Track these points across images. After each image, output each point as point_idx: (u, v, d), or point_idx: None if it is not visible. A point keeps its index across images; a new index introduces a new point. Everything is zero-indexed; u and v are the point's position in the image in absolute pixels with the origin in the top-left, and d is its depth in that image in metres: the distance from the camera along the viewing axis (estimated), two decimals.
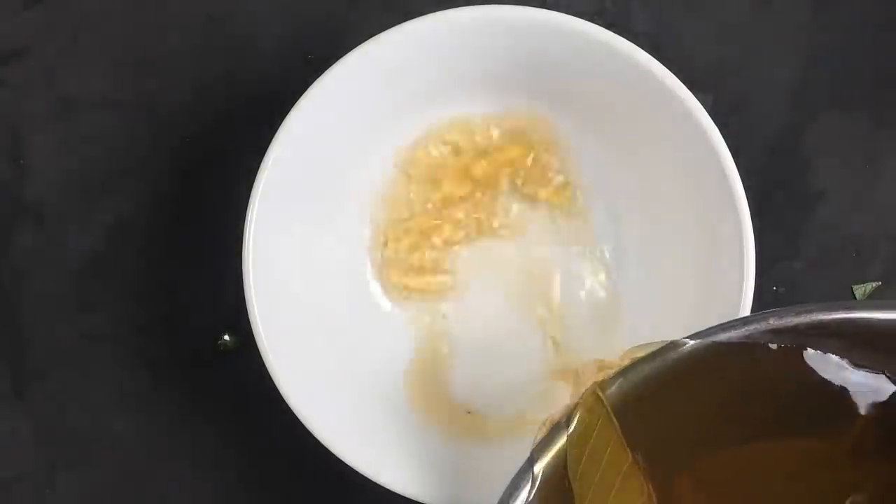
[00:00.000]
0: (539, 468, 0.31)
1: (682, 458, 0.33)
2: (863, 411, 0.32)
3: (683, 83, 0.37)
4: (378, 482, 0.38)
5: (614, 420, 0.31)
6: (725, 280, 0.38)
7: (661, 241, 0.41)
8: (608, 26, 0.38)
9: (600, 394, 0.31)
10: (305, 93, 0.38)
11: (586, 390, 0.31)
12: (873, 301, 0.31)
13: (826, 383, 0.32)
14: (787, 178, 0.43)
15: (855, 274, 0.43)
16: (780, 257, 0.43)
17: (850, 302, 0.31)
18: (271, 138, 0.38)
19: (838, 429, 0.33)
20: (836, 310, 0.30)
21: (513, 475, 0.31)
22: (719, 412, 0.33)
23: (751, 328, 0.31)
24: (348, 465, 0.38)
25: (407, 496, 0.38)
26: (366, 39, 0.38)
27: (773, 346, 0.31)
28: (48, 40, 0.43)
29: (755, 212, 0.38)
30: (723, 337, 0.31)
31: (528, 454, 0.31)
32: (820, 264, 0.43)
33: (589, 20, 0.38)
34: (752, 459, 0.33)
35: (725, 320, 0.33)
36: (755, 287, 0.37)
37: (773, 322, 0.31)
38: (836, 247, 0.43)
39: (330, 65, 0.38)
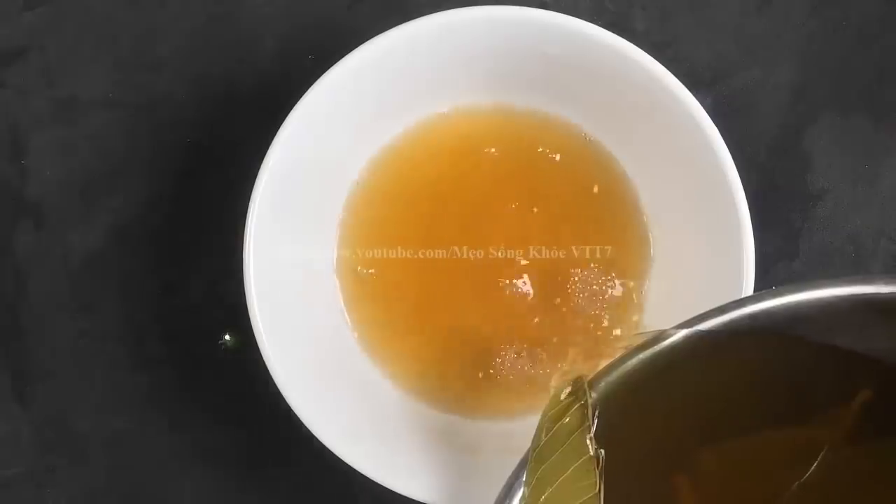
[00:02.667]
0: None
1: (679, 454, 0.33)
2: (852, 393, 0.32)
3: (683, 83, 0.37)
4: (378, 482, 0.38)
5: (588, 410, 0.30)
6: (725, 280, 0.38)
7: (660, 240, 0.41)
8: (608, 26, 0.38)
9: (585, 382, 0.31)
10: (306, 93, 0.38)
11: (563, 376, 0.31)
12: (843, 278, 0.30)
13: (813, 368, 0.32)
14: (787, 178, 0.43)
15: (854, 274, 0.43)
16: (780, 257, 0.43)
17: (820, 281, 0.30)
18: (271, 138, 0.38)
19: (836, 413, 0.33)
20: (805, 289, 0.30)
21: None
22: (711, 406, 0.33)
23: (729, 316, 0.30)
24: (348, 465, 0.38)
25: (407, 496, 0.38)
26: (366, 40, 0.38)
27: (755, 333, 0.30)
28: (48, 40, 0.43)
29: (755, 212, 0.38)
30: (704, 327, 0.30)
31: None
32: (820, 264, 0.43)
33: (589, 20, 0.38)
34: (750, 452, 0.33)
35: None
36: (755, 287, 0.37)
37: (750, 308, 0.30)
38: (836, 247, 0.43)
39: (330, 65, 0.38)
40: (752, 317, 0.30)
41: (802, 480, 0.33)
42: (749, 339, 0.31)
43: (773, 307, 0.30)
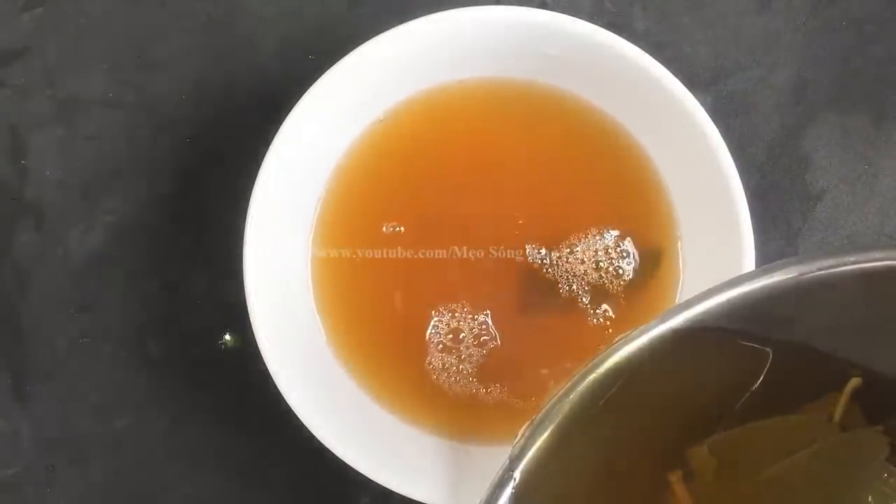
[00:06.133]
0: (518, 469, 0.30)
1: (672, 450, 0.33)
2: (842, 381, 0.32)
3: (683, 83, 0.37)
4: (377, 481, 0.38)
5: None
6: (725, 280, 0.38)
7: (659, 241, 0.41)
8: (608, 26, 0.38)
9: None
10: (306, 93, 0.38)
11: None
12: (772, 265, 0.30)
13: (800, 357, 0.32)
14: (787, 178, 0.43)
15: None
16: (780, 257, 0.43)
17: (755, 271, 0.30)
18: (271, 138, 0.38)
19: (826, 401, 0.33)
20: (741, 283, 0.29)
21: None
22: (698, 401, 0.33)
23: (689, 314, 0.30)
24: (348, 465, 0.38)
25: (406, 495, 0.38)
26: (366, 40, 0.38)
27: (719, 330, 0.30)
28: (48, 40, 0.43)
29: (755, 212, 0.38)
30: (672, 324, 0.30)
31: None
32: None
33: (589, 20, 0.38)
34: (741, 443, 0.33)
35: None
36: None
37: (707, 304, 0.30)
38: (836, 247, 0.43)
39: (330, 65, 0.38)
40: (728, 314, 0.30)
41: (792, 467, 0.33)
42: (715, 336, 0.30)
43: (712, 308, 0.30)
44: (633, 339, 0.30)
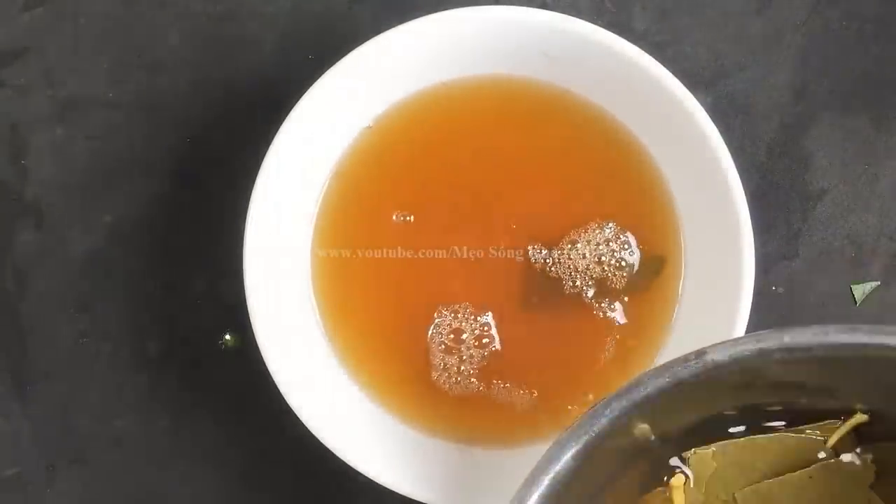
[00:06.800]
0: (549, 475, 0.30)
1: (675, 452, 0.34)
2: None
3: (683, 83, 0.37)
4: (378, 482, 0.38)
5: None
6: (725, 280, 0.38)
7: (660, 239, 0.41)
8: (608, 26, 0.38)
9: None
10: (306, 93, 0.38)
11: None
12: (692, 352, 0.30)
13: (805, 385, 0.32)
14: (787, 178, 0.43)
15: (854, 274, 0.43)
16: (780, 257, 0.43)
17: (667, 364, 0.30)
18: (271, 138, 0.38)
19: (827, 426, 0.34)
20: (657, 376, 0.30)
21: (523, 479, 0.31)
22: (706, 411, 0.33)
23: (716, 356, 0.30)
24: (348, 465, 0.38)
25: (407, 496, 0.38)
26: (366, 40, 0.38)
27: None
28: (48, 40, 0.43)
29: (755, 212, 0.38)
30: (697, 365, 0.30)
31: (537, 459, 0.31)
32: (820, 264, 0.43)
33: (589, 20, 0.38)
34: (742, 452, 0.34)
35: (724, 323, 0.36)
36: (755, 287, 0.37)
37: (740, 348, 0.30)
38: (836, 247, 0.43)
39: (330, 65, 0.38)
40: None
41: (785, 483, 0.33)
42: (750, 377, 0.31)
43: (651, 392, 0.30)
44: (659, 375, 0.30)
